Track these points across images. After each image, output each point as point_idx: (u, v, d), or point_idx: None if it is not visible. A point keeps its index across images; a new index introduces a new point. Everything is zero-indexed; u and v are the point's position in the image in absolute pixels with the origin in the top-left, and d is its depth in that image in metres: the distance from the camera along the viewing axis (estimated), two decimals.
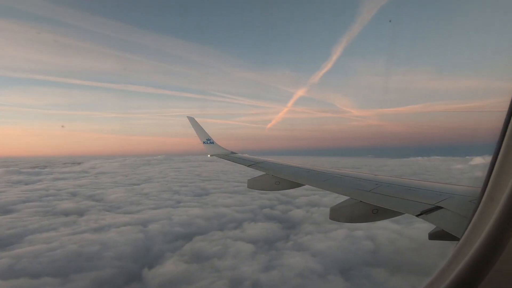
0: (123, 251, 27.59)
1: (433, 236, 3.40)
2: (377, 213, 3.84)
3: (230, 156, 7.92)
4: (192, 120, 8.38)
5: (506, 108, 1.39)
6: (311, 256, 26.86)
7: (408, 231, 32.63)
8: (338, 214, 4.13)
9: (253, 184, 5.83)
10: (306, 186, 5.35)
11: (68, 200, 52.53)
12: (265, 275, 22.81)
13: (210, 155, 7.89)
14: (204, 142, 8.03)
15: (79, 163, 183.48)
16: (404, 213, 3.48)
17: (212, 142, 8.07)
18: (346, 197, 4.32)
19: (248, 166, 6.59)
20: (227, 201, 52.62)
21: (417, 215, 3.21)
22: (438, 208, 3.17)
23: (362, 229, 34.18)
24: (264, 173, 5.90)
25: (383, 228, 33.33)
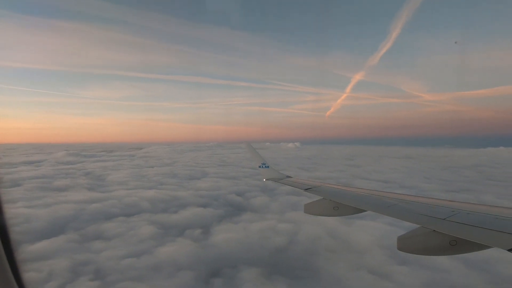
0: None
1: None
2: (456, 245, 3.35)
3: (285, 180, 7.61)
4: (248, 145, 8.44)
5: None
6: (197, 248, 23.85)
7: (353, 232, 26.41)
8: (409, 245, 3.66)
9: (310, 209, 5.59)
10: None
11: (73, 178, 58.79)
12: (121, 262, 20.93)
13: (266, 179, 7.63)
14: (259, 167, 7.89)
15: (140, 149, 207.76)
16: (492, 247, 3.01)
17: (267, 166, 7.93)
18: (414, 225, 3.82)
19: (305, 190, 6.33)
20: (206, 185, 51.62)
21: (510, 250, 2.78)
22: None
23: (294, 222, 29.22)
24: (321, 197, 5.58)
25: (322, 225, 27.67)
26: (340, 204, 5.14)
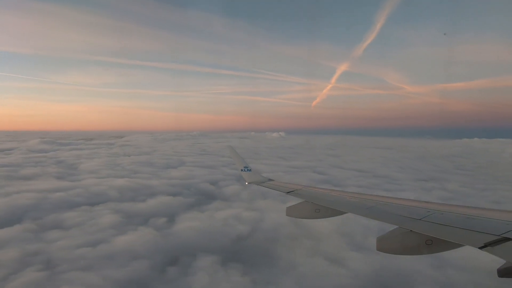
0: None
1: (504, 272, 2.90)
2: (431, 244, 3.43)
3: (267, 183, 7.65)
4: (230, 149, 8.35)
5: None
6: (158, 237, 23.58)
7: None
8: (387, 245, 3.71)
9: (292, 212, 5.61)
10: None
11: (43, 167, 56.71)
12: (75, 251, 20.38)
13: (248, 183, 7.69)
14: (242, 170, 7.86)
15: (122, 137, 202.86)
16: (464, 245, 3.14)
17: (250, 170, 7.91)
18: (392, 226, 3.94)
19: (287, 193, 6.38)
20: (180, 174, 51.09)
21: (480, 248, 2.86)
22: (506, 239, 2.86)
23: (261, 210, 29.40)
24: (303, 200, 5.64)
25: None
26: (321, 207, 5.21)
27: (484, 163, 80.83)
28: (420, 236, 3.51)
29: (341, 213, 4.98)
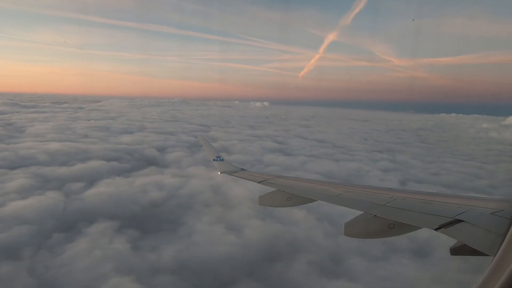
0: None
1: (456, 251, 3.20)
2: (393, 228, 3.65)
3: (239, 173, 7.45)
4: (201, 138, 8.45)
5: None
6: (62, 202, 22.39)
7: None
8: (353, 230, 3.92)
9: (264, 201, 5.69)
10: None
11: None
12: None
13: (220, 173, 7.42)
14: (214, 160, 7.68)
15: (98, 102, 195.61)
16: (422, 227, 3.36)
17: (222, 160, 7.74)
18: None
19: (259, 182, 6.32)
20: (131, 140, 49.20)
21: (436, 229, 3.09)
22: (458, 221, 3.11)
23: (188, 177, 28.39)
24: (275, 189, 5.69)
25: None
26: (293, 195, 5.38)
27: (448, 137, 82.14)
28: (383, 220, 3.69)
29: (311, 200, 5.14)
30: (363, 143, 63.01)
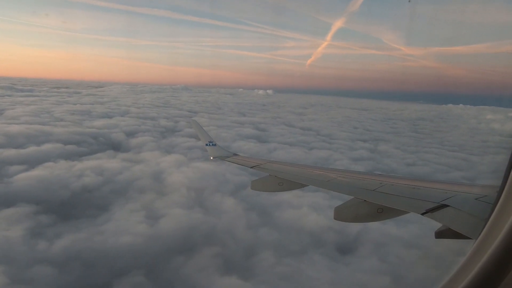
0: None
1: (440, 234, 3.26)
2: (382, 212, 3.77)
3: (231, 158, 7.40)
4: (194, 123, 8.32)
5: None
6: None
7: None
8: (343, 215, 4.06)
9: (257, 186, 5.71)
10: None
11: None
12: None
13: (213, 158, 7.44)
14: (206, 145, 7.57)
15: (100, 87, 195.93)
16: (409, 212, 3.48)
17: (214, 145, 7.68)
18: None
19: (251, 167, 6.41)
20: (102, 124, 48.04)
21: (422, 214, 3.19)
22: (444, 206, 3.20)
23: (138, 162, 26.96)
24: (267, 174, 5.77)
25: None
26: (284, 180, 5.38)
27: (445, 127, 78.59)
28: (372, 205, 3.78)
29: (303, 185, 5.19)
30: (351, 131, 60.51)
